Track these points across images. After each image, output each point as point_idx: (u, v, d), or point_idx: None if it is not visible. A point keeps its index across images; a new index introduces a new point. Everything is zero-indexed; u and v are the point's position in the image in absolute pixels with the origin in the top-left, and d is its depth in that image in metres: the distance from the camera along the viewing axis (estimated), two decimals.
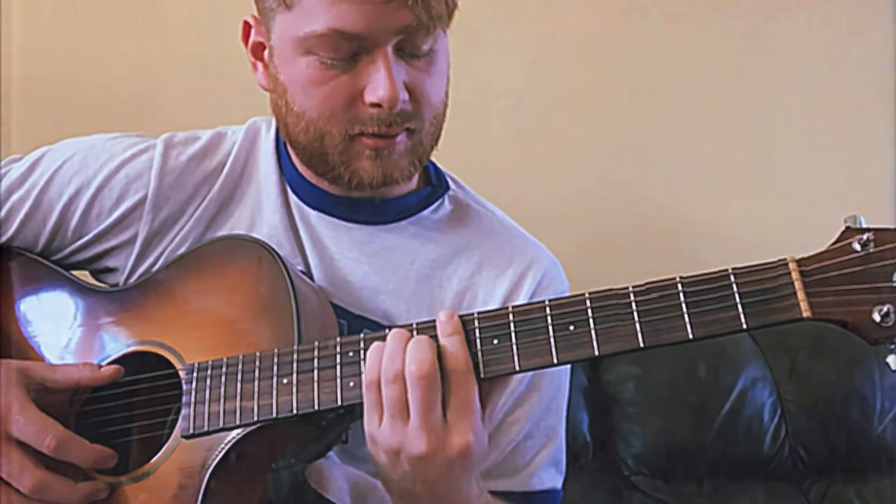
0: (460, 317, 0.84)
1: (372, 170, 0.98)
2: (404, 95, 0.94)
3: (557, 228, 2.19)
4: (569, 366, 1.12)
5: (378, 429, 0.82)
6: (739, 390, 2.05)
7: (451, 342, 0.82)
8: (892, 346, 0.71)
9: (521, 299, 1.06)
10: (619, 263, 2.05)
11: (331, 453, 1.00)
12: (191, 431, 0.89)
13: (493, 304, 1.05)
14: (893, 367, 0.71)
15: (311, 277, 1.05)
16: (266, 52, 1.02)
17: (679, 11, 2.37)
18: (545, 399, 1.06)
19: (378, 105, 0.93)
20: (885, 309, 0.70)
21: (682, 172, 2.39)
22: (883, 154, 2.36)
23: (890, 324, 0.70)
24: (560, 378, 1.09)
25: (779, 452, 2.05)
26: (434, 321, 0.84)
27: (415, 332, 0.84)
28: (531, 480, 1.04)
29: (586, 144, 2.36)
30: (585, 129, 2.36)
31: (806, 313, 0.72)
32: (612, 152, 2.38)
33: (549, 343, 0.80)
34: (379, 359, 0.82)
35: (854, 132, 2.42)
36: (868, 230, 0.72)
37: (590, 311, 0.80)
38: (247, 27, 1.04)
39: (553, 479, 1.07)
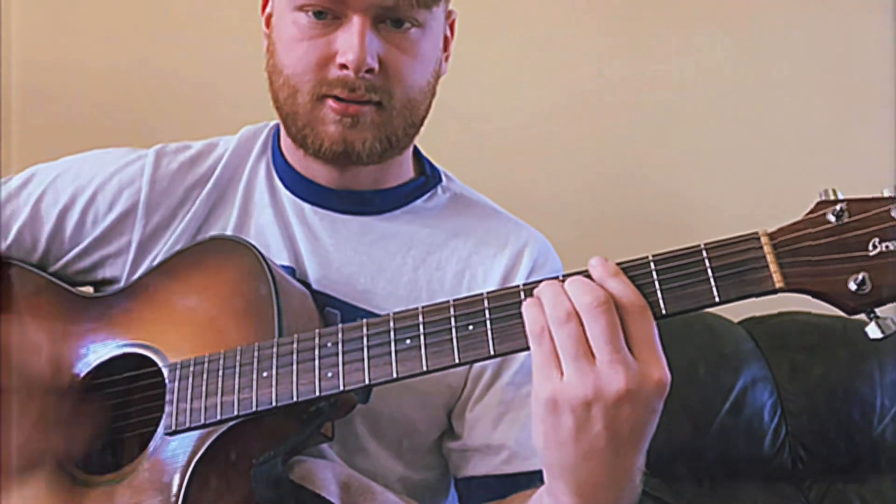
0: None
1: (334, 135, 0.97)
2: (372, 62, 0.94)
3: (561, 215, 2.18)
4: None
5: (561, 382, 0.71)
6: (739, 390, 2.00)
7: (616, 282, 0.73)
8: (871, 315, 0.68)
9: (520, 277, 1.04)
10: (624, 250, 1.97)
11: (329, 451, 0.98)
12: (173, 428, 0.88)
13: (492, 283, 1.04)
14: (872, 336, 0.68)
15: (305, 271, 1.04)
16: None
17: (681, 5, 2.37)
18: None
19: (345, 66, 0.94)
20: (860, 277, 0.67)
21: (688, 159, 2.37)
22: (884, 148, 2.34)
23: (866, 291, 0.67)
24: None
25: (779, 452, 2.00)
26: (577, 272, 0.77)
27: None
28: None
29: (590, 131, 2.35)
30: (589, 115, 2.34)
31: (779, 284, 0.69)
32: (616, 139, 2.36)
33: (522, 329, 0.76)
34: (539, 309, 0.74)
35: (855, 123, 2.40)
36: (841, 200, 0.69)
37: None
38: (265, 1, 1.07)
39: None
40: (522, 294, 0.78)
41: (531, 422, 0.92)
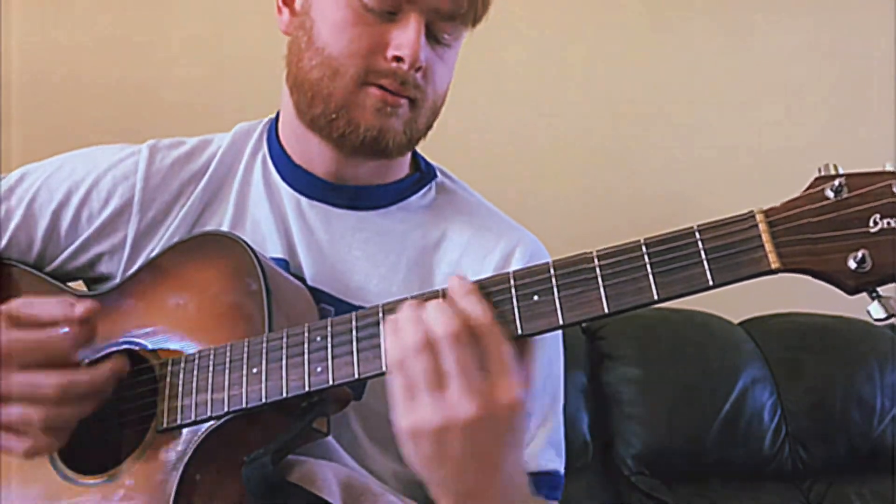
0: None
1: (372, 122, 0.98)
2: (423, 62, 0.96)
3: (558, 213, 2.16)
4: (561, 349, 1.08)
5: (416, 412, 0.74)
6: (739, 390, 2.00)
7: (469, 301, 0.75)
8: (874, 294, 0.65)
9: None
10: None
11: (339, 448, 0.97)
12: (164, 425, 0.87)
13: None
14: (875, 316, 0.65)
15: (300, 266, 1.03)
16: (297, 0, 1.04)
17: (683, 10, 2.37)
18: (540, 379, 1.01)
19: (399, 59, 0.95)
20: (860, 255, 0.63)
21: (687, 158, 2.37)
22: (884, 146, 2.33)
23: (866, 269, 0.63)
24: (551, 358, 1.05)
25: (779, 452, 2.00)
26: (437, 291, 0.79)
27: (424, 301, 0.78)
28: (534, 462, 0.99)
29: (589, 131, 2.34)
30: (591, 123, 2.34)
31: (775, 264, 0.66)
32: (615, 138, 2.36)
33: (514, 314, 0.75)
34: (398, 337, 0.76)
35: (856, 124, 2.39)
36: (839, 175, 0.66)
37: (554, 279, 0.75)
38: None
39: (553, 461, 1.02)
40: (513, 280, 0.76)
41: None
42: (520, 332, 0.75)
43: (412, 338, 0.74)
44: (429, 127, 1.04)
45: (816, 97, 2.41)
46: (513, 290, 0.76)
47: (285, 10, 1.05)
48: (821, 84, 2.41)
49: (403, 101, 0.98)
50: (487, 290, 0.77)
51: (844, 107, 2.40)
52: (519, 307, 0.75)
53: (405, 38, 0.95)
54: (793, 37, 2.40)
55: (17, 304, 0.87)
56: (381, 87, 0.96)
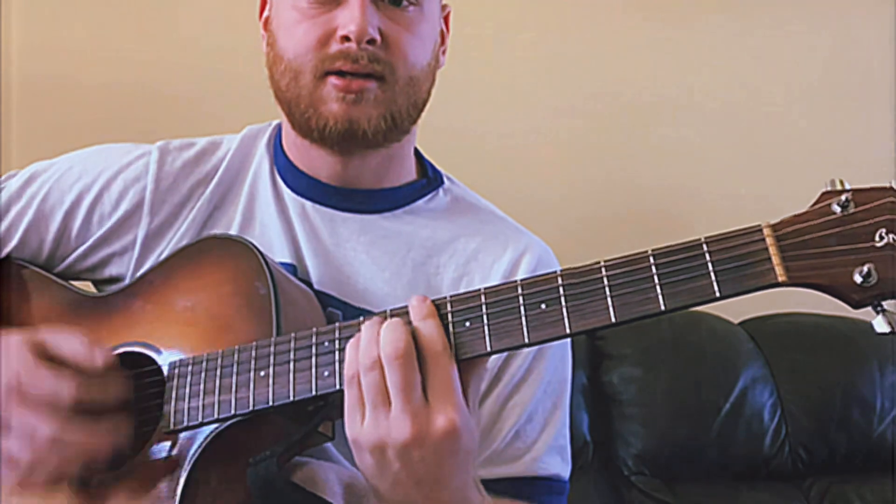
0: (433, 301, 0.80)
1: (338, 112, 0.97)
2: (373, 33, 0.95)
3: (558, 218, 2.17)
4: (568, 354, 1.09)
5: (361, 427, 0.77)
6: (739, 390, 1.99)
7: (426, 324, 0.78)
8: (878, 309, 0.66)
9: None
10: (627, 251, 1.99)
11: (335, 451, 0.97)
12: (171, 427, 0.87)
13: None
14: (879, 330, 0.65)
15: (307, 270, 1.03)
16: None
17: (684, 7, 2.37)
18: (543, 383, 1.02)
19: (347, 39, 0.94)
20: (865, 269, 0.64)
21: (687, 161, 2.37)
22: (884, 146, 2.33)
23: (872, 283, 0.64)
24: (556, 364, 1.05)
25: (779, 452, 1.99)
26: (407, 307, 0.80)
27: (388, 318, 0.80)
28: (535, 465, 1.00)
29: (590, 134, 2.34)
30: (588, 117, 2.34)
31: (781, 278, 0.67)
32: (616, 140, 2.36)
33: (521, 323, 0.76)
34: (356, 352, 0.78)
35: (855, 122, 2.40)
36: (846, 191, 0.67)
37: (561, 288, 0.75)
38: (263, 4, 1.08)
39: (558, 466, 1.02)
40: (520, 289, 0.77)
41: (511, 431, 0.97)
42: (526, 340, 0.75)
43: (368, 354, 0.76)
44: (415, 106, 1.03)
45: (817, 93, 2.41)
46: (520, 299, 0.76)
47: (266, 36, 1.06)
48: (821, 81, 2.41)
49: (368, 85, 0.97)
50: (462, 306, 0.79)
51: (845, 103, 2.40)
52: (526, 316, 0.76)
53: (348, 14, 0.94)
54: (794, 34, 2.40)
55: (43, 336, 0.88)
56: (339, 73, 0.96)
